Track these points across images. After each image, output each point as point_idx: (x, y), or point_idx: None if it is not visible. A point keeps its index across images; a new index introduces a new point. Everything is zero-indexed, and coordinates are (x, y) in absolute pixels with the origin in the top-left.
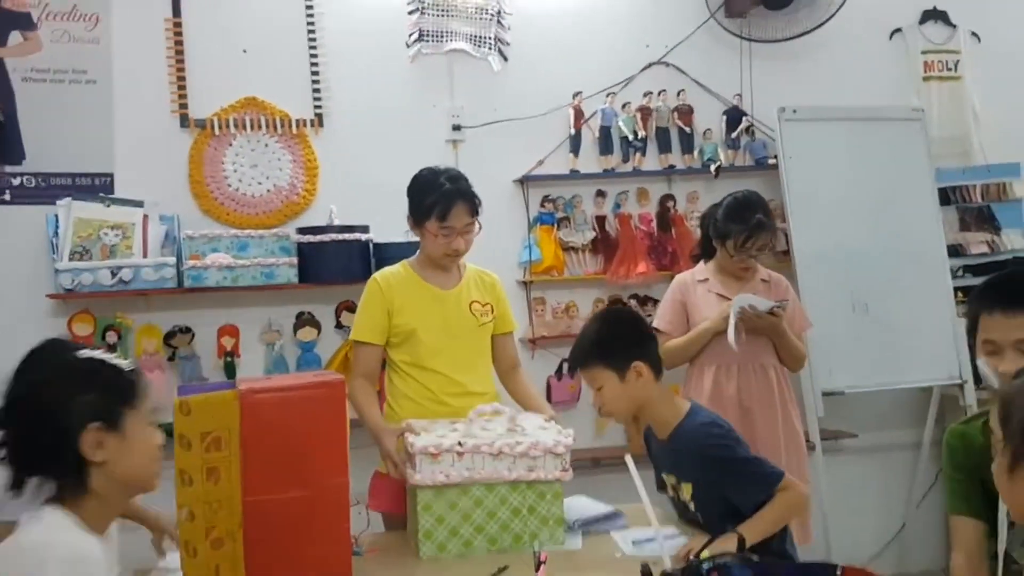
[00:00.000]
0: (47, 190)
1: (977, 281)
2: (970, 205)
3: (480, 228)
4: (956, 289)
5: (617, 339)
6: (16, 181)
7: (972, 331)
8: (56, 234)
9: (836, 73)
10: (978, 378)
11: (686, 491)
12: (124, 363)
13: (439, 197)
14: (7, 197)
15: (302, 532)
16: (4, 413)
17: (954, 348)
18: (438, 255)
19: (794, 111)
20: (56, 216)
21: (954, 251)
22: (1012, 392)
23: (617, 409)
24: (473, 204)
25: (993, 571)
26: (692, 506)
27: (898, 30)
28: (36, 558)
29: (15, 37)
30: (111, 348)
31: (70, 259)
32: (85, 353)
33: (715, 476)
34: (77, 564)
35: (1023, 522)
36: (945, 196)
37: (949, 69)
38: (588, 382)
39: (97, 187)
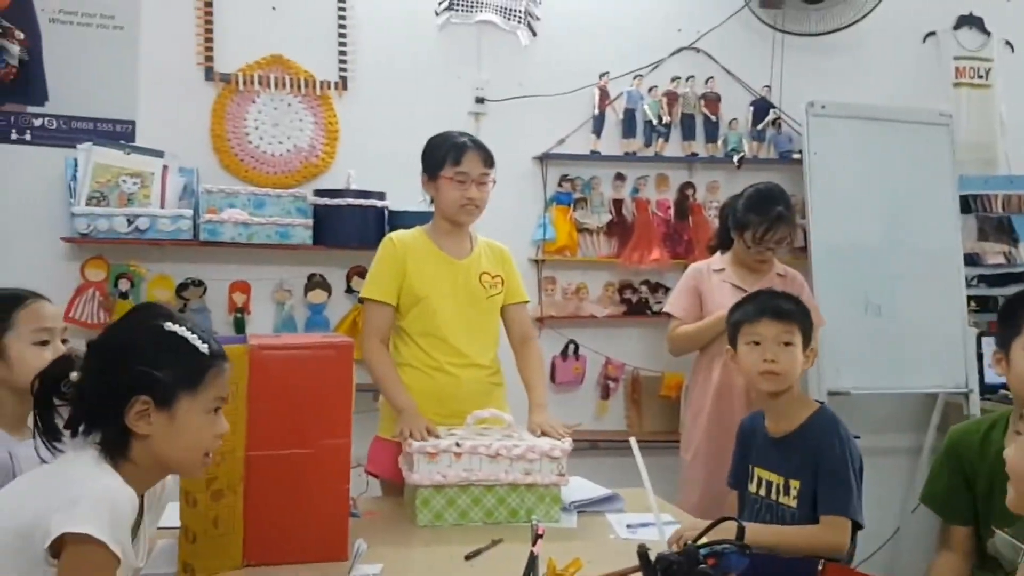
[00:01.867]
0: (68, 133)
1: (991, 292)
2: (990, 215)
3: (495, 183)
4: (970, 298)
5: (808, 319)
6: (38, 122)
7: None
8: (75, 178)
9: (867, 72)
10: (984, 388)
11: (794, 487)
12: (205, 346)
13: (452, 147)
14: (28, 137)
15: (301, 490)
16: (85, 355)
17: (963, 356)
18: (454, 208)
19: (823, 107)
20: (76, 160)
21: (970, 260)
22: None
23: (791, 374)
24: (487, 154)
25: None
26: (789, 507)
27: (932, 33)
28: (71, 490)
29: None
30: (123, 296)
31: (87, 204)
32: (170, 325)
33: (819, 473)
34: (109, 506)
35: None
36: (966, 204)
37: (980, 76)
38: (780, 334)
39: (118, 134)
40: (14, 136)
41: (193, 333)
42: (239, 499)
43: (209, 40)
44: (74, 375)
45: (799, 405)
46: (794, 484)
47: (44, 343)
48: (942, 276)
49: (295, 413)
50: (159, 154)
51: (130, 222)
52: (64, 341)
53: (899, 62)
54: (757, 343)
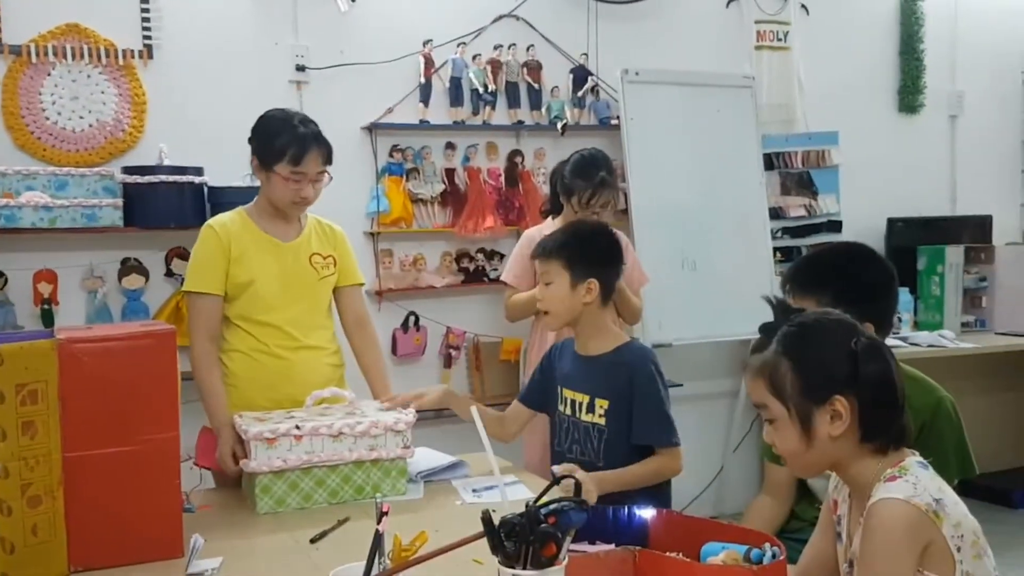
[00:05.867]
0: None
1: (794, 242)
2: (791, 170)
3: (331, 179)
4: (775, 249)
5: (586, 251)
6: None
7: None
8: None
9: (676, 38)
10: None
11: (600, 407)
12: None
13: (292, 140)
14: None
15: (128, 489)
16: None
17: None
18: (285, 202)
19: (636, 73)
20: None
21: (775, 214)
22: (770, 362)
23: (556, 310)
24: (327, 151)
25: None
26: (596, 424)
27: None
28: None
29: None
30: None
31: None
32: None
33: (633, 398)
34: None
35: (813, 476)
36: (769, 161)
37: (779, 39)
38: (542, 274)
39: None
40: None
41: None
42: (59, 504)
43: None
44: None
45: (609, 334)
46: (601, 403)
47: None
48: (750, 231)
49: (115, 409)
50: None
51: None
52: None
53: (706, 27)
54: (549, 284)
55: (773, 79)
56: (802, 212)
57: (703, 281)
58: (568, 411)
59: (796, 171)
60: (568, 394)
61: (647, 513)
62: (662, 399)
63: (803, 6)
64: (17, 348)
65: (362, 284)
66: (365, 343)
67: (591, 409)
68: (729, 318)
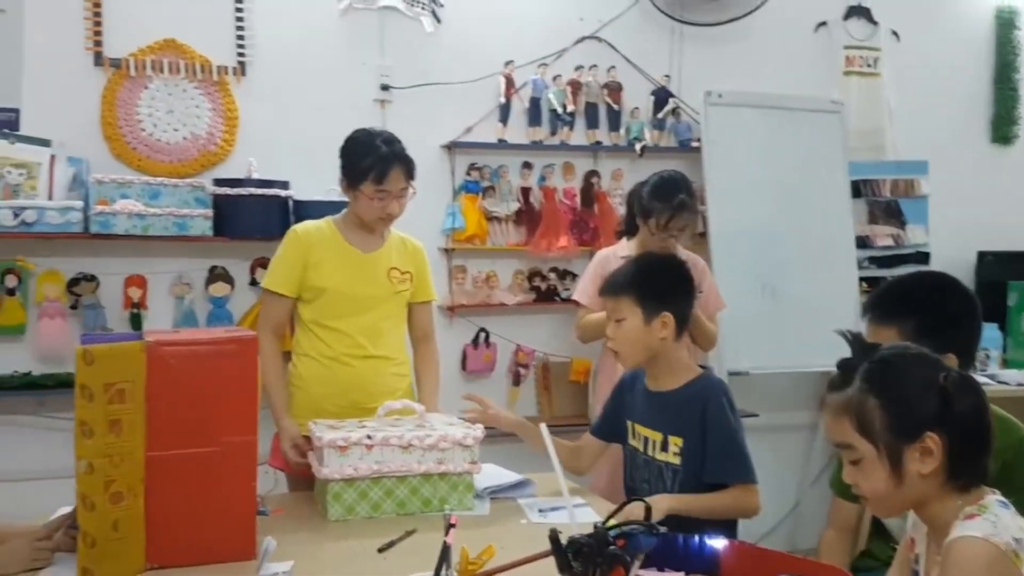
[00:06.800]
0: None
1: (881, 273)
2: (879, 199)
3: (415, 193)
4: (861, 279)
5: (657, 283)
6: None
7: None
8: None
9: (762, 61)
10: None
11: (673, 445)
12: None
13: (376, 160)
14: None
15: (206, 489)
16: None
17: None
18: (371, 218)
19: (719, 95)
20: None
21: (861, 242)
22: (855, 401)
23: (630, 350)
24: (410, 168)
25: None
26: (670, 464)
27: (823, 23)
28: None
29: None
30: (10, 292)
31: None
32: None
33: (706, 433)
34: None
35: (898, 515)
36: (856, 189)
37: (869, 65)
38: (611, 311)
39: (2, 123)
40: None
41: None
42: (140, 501)
43: (98, 24)
44: None
45: (681, 368)
46: (675, 441)
47: None
48: (834, 259)
49: (198, 411)
50: (46, 143)
51: (16, 215)
52: None
53: (792, 51)
54: (621, 321)
55: (862, 105)
56: (889, 242)
57: (783, 309)
58: (640, 447)
59: (884, 200)
60: (640, 430)
61: (719, 543)
62: (736, 434)
63: (894, 32)
64: (107, 349)
65: (432, 300)
66: (425, 357)
67: (664, 447)
68: (810, 348)
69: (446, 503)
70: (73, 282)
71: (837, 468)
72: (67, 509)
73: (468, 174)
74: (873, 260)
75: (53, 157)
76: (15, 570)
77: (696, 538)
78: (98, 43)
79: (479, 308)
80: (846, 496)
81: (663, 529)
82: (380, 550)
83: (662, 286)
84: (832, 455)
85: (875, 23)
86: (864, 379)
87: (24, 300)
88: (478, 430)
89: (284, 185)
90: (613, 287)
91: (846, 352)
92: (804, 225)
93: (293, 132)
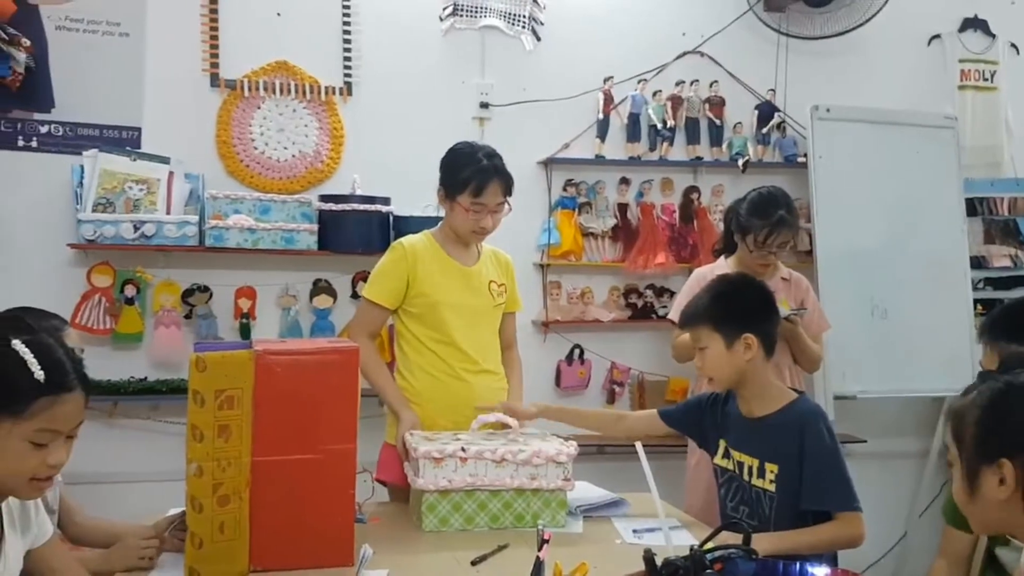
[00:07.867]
0: (74, 140)
1: (998, 295)
2: (996, 217)
3: (510, 210)
4: (976, 301)
5: (733, 307)
6: (44, 129)
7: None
8: (81, 184)
9: (872, 75)
10: None
11: (769, 472)
12: (41, 373)
13: (475, 173)
14: (34, 144)
15: (307, 495)
16: None
17: (969, 360)
18: (465, 231)
19: (827, 110)
20: (82, 167)
21: (977, 263)
22: (962, 408)
23: (719, 375)
24: (508, 183)
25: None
26: (767, 491)
27: (937, 36)
28: None
29: None
30: (129, 301)
31: (93, 210)
32: (14, 342)
33: (804, 460)
34: None
35: (983, 534)
36: (972, 207)
37: (985, 79)
38: (693, 340)
39: (124, 140)
40: (21, 143)
41: (43, 358)
42: (245, 505)
43: (214, 47)
44: None
45: (773, 392)
46: (771, 468)
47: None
48: (948, 279)
49: (301, 418)
50: (165, 160)
51: (136, 228)
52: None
53: (904, 65)
54: (703, 349)
55: (977, 120)
56: (1007, 263)
57: (894, 331)
58: (736, 470)
59: (1002, 218)
60: (736, 455)
61: (820, 571)
62: (837, 460)
63: (1012, 45)
64: (219, 357)
65: (520, 310)
66: (511, 362)
67: (761, 474)
68: (921, 372)
69: (539, 519)
70: (188, 292)
71: (950, 496)
72: (176, 511)
73: (565, 190)
74: (989, 281)
75: (171, 174)
76: (123, 567)
77: (796, 565)
78: (214, 65)
79: (574, 324)
80: (959, 526)
81: (761, 554)
82: (473, 563)
83: (738, 309)
84: (944, 485)
85: (992, 35)
86: (981, 392)
87: (142, 309)
88: (571, 447)
89: (385, 201)
90: (688, 317)
91: (961, 376)
92: (916, 244)
93: (394, 149)
